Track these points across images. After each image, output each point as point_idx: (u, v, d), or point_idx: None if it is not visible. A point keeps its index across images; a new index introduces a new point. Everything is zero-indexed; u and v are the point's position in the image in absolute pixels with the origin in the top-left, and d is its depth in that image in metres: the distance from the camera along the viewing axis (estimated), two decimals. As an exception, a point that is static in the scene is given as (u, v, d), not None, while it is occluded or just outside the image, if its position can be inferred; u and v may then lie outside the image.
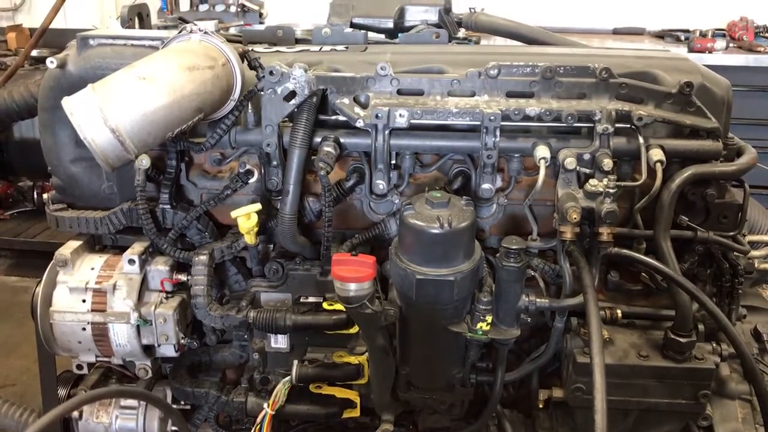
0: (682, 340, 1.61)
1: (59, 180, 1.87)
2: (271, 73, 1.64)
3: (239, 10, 5.58)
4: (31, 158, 5.17)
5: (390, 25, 2.20)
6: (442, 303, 1.54)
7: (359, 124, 1.68)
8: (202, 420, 1.96)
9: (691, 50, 4.51)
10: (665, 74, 1.74)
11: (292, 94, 1.65)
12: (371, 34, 2.19)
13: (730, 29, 4.87)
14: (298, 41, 2.14)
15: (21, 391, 3.23)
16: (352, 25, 2.18)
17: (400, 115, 1.66)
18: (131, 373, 1.93)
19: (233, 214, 1.69)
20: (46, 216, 1.88)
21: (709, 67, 1.86)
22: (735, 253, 1.77)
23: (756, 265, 1.97)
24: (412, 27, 2.17)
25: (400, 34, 2.18)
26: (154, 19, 4.44)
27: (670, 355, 1.64)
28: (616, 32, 5.26)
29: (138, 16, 2.14)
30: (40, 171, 5.16)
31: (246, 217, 1.68)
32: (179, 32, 1.58)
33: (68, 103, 1.37)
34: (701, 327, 1.71)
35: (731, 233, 1.74)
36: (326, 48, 1.96)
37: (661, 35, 5.10)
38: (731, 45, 4.61)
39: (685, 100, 1.68)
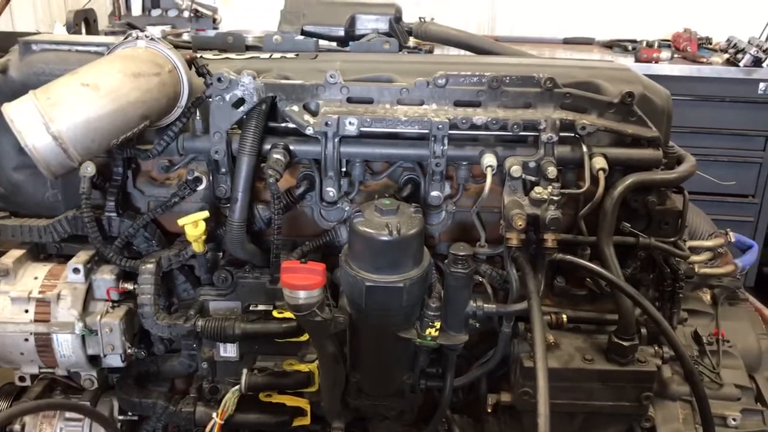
0: (624, 343, 1.65)
1: (1, 188, 1.83)
2: (219, 80, 1.64)
3: (192, 15, 5.51)
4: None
5: (341, 33, 2.22)
6: (391, 309, 1.55)
7: (309, 131, 1.68)
8: (150, 431, 1.94)
9: (638, 60, 4.61)
10: (608, 84, 1.79)
11: (241, 101, 1.65)
12: (322, 42, 2.21)
13: (674, 40, 5.00)
14: (248, 48, 2.13)
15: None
16: (303, 33, 2.20)
17: (350, 123, 1.67)
18: (76, 384, 1.89)
19: (180, 221, 1.68)
20: (-12, 224, 1.83)
21: (654, 77, 1.92)
22: (675, 258, 1.82)
23: (696, 269, 2.02)
24: (362, 35, 2.19)
25: (350, 43, 2.20)
26: (104, 24, 4.37)
27: (613, 358, 1.67)
28: (567, 42, 5.36)
29: (84, 21, 2.11)
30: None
31: (193, 225, 1.67)
32: (125, 38, 1.56)
33: (9, 110, 1.35)
34: (644, 331, 1.75)
35: (672, 239, 1.80)
36: (276, 55, 1.96)
37: (609, 45, 5.21)
38: (676, 55, 4.74)
39: (626, 109, 1.72)
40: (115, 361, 1.78)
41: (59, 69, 1.63)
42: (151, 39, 1.55)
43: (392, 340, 1.62)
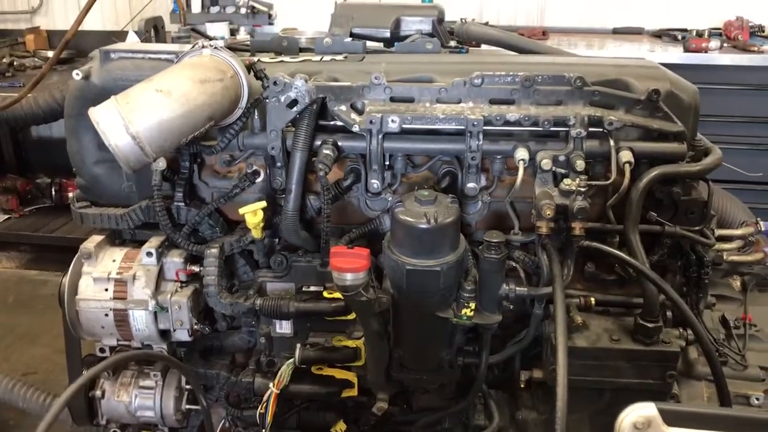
0: (649, 325, 1.75)
1: (83, 180, 2.04)
2: (275, 83, 1.80)
3: (249, 11, 5.70)
4: (49, 156, 5.38)
5: (387, 34, 2.36)
6: (429, 291, 1.69)
7: (355, 129, 1.84)
8: (214, 400, 2.14)
9: (686, 50, 4.61)
10: (636, 82, 1.89)
11: (294, 102, 1.81)
12: (369, 43, 2.35)
13: (726, 29, 4.96)
14: (301, 50, 2.29)
15: (43, 379, 3.38)
16: (352, 35, 2.34)
17: (392, 120, 1.82)
18: (149, 356, 2.11)
19: (241, 210, 1.86)
20: (72, 213, 2.05)
21: (703, 66, 1.99)
22: (701, 246, 1.92)
23: (725, 257, 2.11)
24: (407, 36, 2.32)
25: (396, 43, 2.34)
26: (168, 24, 4.60)
27: (639, 339, 1.77)
28: (616, 32, 5.37)
29: (154, 28, 2.31)
30: (58, 168, 5.39)
31: (253, 214, 1.85)
32: (192, 48, 1.74)
33: (94, 113, 1.54)
34: (669, 314, 1.86)
35: (697, 227, 1.89)
36: (326, 58, 2.11)
37: (658, 35, 5.20)
38: (726, 44, 4.71)
39: (653, 105, 1.82)
40: (183, 335, 1.98)
41: (135, 75, 1.82)
42: (215, 48, 1.73)
43: (430, 319, 1.76)
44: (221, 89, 1.67)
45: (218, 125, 1.79)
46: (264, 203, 1.86)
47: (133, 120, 1.53)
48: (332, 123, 1.90)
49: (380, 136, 1.84)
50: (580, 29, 5.34)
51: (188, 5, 6.00)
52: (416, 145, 1.88)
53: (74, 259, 1.95)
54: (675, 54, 4.59)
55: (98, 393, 2.06)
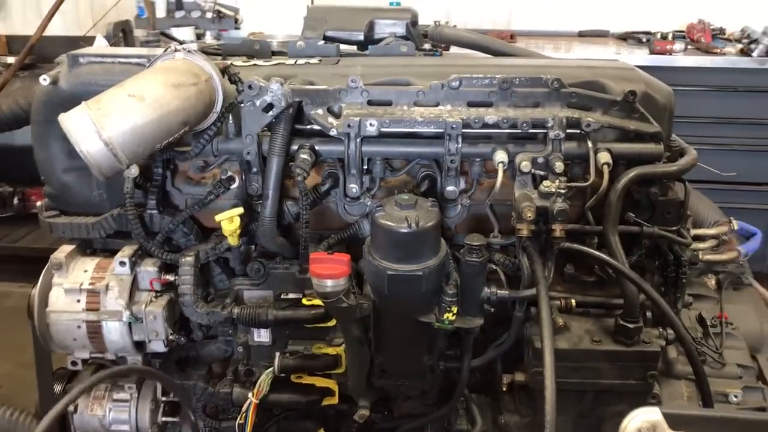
0: (630, 325, 1.75)
1: (52, 189, 1.98)
2: (250, 87, 1.77)
3: (215, 15, 5.64)
4: (10, 164, 5.24)
5: (360, 37, 2.34)
6: (411, 296, 1.67)
7: (333, 133, 1.81)
8: (190, 411, 2.09)
9: (652, 52, 4.68)
10: (612, 83, 1.90)
11: (270, 106, 1.78)
12: (343, 46, 2.33)
13: (689, 31, 5.04)
14: (274, 54, 2.27)
15: (8, 393, 3.29)
16: (325, 38, 2.32)
17: (371, 124, 1.80)
18: (122, 369, 2.05)
19: (217, 217, 1.82)
20: (40, 222, 1.99)
21: (668, 68, 2.02)
22: (678, 245, 1.93)
23: (700, 256, 2.13)
24: (381, 39, 2.31)
25: (369, 46, 2.32)
26: (134, 29, 4.52)
27: (620, 339, 1.77)
28: (582, 35, 5.44)
29: (122, 33, 2.26)
30: (20, 177, 5.22)
31: (229, 221, 1.81)
32: (164, 51, 1.71)
33: (64, 119, 1.49)
34: (649, 314, 1.86)
35: (675, 227, 1.91)
36: (301, 61, 2.09)
37: (624, 37, 5.28)
38: (690, 47, 4.80)
39: (629, 107, 1.83)
40: (158, 346, 1.93)
41: (105, 80, 1.77)
42: (189, 51, 1.69)
43: (412, 324, 1.74)
44: (195, 93, 1.64)
45: (193, 130, 1.75)
46: (241, 209, 1.83)
47: (105, 125, 1.48)
48: (308, 127, 1.88)
49: (358, 140, 1.82)
50: (547, 32, 5.40)
51: (153, 11, 5.93)
52: (395, 149, 1.86)
53: (44, 270, 1.89)
54: (641, 56, 4.67)
55: (71, 408, 1.99)
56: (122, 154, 1.51)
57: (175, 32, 5.19)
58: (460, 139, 1.80)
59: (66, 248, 1.94)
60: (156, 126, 1.55)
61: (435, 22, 2.41)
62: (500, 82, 1.82)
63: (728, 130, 4.59)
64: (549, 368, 1.43)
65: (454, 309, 1.72)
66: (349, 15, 2.37)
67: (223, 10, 5.68)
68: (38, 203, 2.00)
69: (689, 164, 1.87)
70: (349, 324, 1.76)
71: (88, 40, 3.23)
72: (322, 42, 2.26)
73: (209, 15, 5.62)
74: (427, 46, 2.38)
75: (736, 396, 1.92)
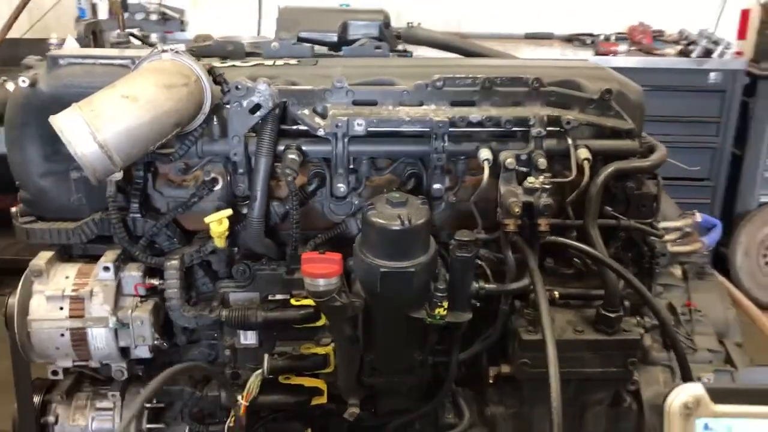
0: (611, 315, 1.82)
1: (28, 194, 1.92)
2: (237, 87, 1.76)
3: (160, 17, 5.54)
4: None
5: (334, 38, 2.36)
6: (404, 292, 1.69)
7: (321, 133, 1.82)
8: (174, 417, 2.06)
9: (597, 53, 4.85)
10: (587, 82, 1.97)
11: (257, 107, 1.77)
12: (316, 47, 2.34)
13: (630, 33, 5.23)
14: (247, 54, 2.26)
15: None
16: (299, 39, 2.32)
17: (359, 123, 1.81)
18: (103, 377, 2.01)
19: (207, 219, 1.80)
20: (15, 229, 1.93)
21: (612, 69, 2.11)
22: (652, 238, 2.02)
23: (668, 247, 2.22)
24: (354, 41, 2.33)
25: (343, 48, 2.34)
26: (72, 31, 4.39)
27: (601, 329, 1.83)
28: (528, 37, 5.57)
29: (93, 34, 2.21)
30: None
31: (218, 222, 1.79)
32: (151, 52, 1.68)
33: (57, 121, 1.45)
34: (627, 303, 1.94)
35: (648, 220, 1.99)
36: (280, 62, 2.09)
37: (569, 39, 5.43)
38: (632, 48, 4.98)
39: (605, 105, 1.91)
40: (143, 352, 1.89)
41: (86, 82, 1.74)
42: (176, 52, 1.67)
43: (404, 320, 1.76)
44: (186, 94, 1.62)
45: (183, 131, 1.73)
46: (230, 211, 1.81)
47: (99, 127, 1.46)
48: (294, 127, 1.88)
49: (346, 140, 1.83)
50: (495, 35, 5.49)
51: (94, 11, 5.78)
52: (381, 148, 1.88)
53: (23, 278, 1.83)
54: (586, 57, 4.81)
55: (51, 419, 1.94)
56: (117, 156, 1.49)
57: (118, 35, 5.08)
58: (446, 138, 1.83)
59: (45, 254, 1.88)
60: (150, 128, 1.53)
61: (408, 23, 2.44)
62: (483, 82, 1.87)
63: (670, 128, 4.78)
64: (552, 360, 1.48)
65: (445, 304, 1.74)
66: (323, 16, 2.38)
67: (168, 11, 5.59)
68: (12, 209, 1.93)
69: (661, 159, 1.96)
70: (341, 322, 1.76)
71: (39, 43, 3.14)
72: (296, 43, 2.26)
73: (154, 17, 5.52)
74: (400, 47, 2.41)
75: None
